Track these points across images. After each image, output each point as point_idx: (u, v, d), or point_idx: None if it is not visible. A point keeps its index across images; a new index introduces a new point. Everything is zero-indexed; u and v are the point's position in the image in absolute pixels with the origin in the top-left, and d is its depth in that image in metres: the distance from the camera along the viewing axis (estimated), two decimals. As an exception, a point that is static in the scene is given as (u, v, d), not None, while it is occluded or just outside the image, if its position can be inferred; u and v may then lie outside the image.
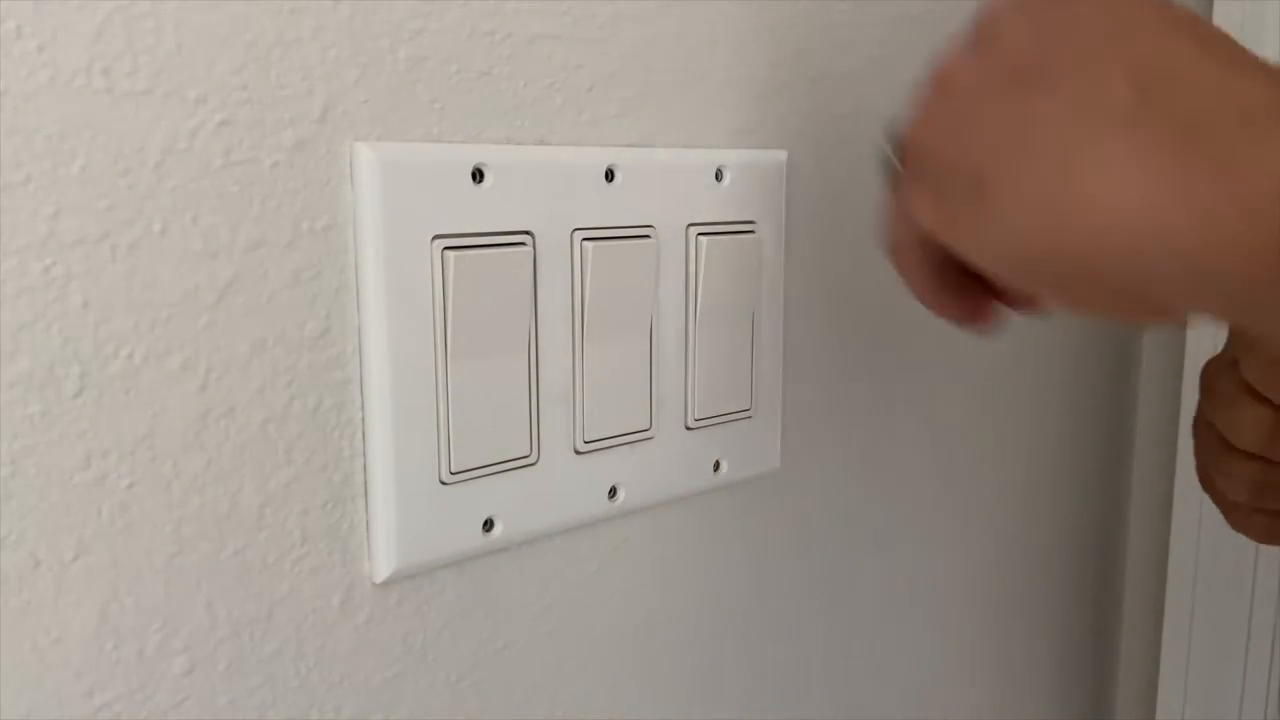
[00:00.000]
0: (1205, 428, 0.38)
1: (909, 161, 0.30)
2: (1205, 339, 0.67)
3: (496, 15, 0.32)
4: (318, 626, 0.32)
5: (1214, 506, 0.68)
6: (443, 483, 0.33)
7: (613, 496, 0.38)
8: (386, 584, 0.33)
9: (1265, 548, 0.58)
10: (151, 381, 0.28)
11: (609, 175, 0.36)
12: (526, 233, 0.34)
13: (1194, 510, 0.69)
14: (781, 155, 0.42)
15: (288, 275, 0.30)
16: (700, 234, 0.39)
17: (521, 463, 0.35)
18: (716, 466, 0.42)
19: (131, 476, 0.28)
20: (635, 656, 0.42)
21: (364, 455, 0.32)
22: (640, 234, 0.37)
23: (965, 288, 0.31)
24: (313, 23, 0.29)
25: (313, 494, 0.31)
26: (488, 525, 0.35)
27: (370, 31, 0.30)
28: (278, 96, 0.29)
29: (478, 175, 0.32)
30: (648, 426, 0.39)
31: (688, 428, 0.40)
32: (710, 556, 0.44)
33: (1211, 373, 0.37)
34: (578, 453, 0.37)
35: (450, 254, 0.32)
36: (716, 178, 0.39)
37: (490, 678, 0.37)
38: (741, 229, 0.40)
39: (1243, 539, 0.63)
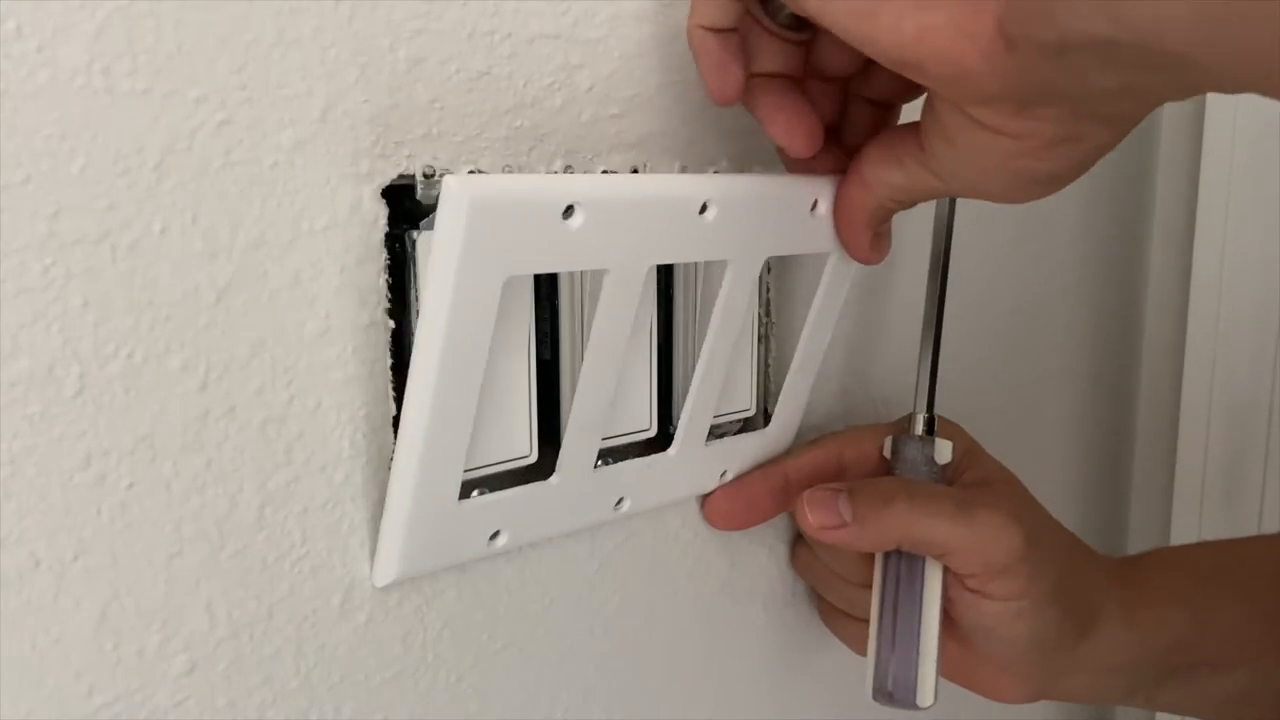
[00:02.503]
0: (808, 552, 0.46)
1: None
2: (1205, 348, 0.67)
3: (496, 15, 0.32)
4: (318, 627, 0.32)
5: (1214, 506, 0.68)
6: (459, 499, 0.33)
7: (618, 505, 0.38)
8: (386, 585, 0.33)
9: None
10: (151, 381, 0.28)
11: (703, 209, 0.34)
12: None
13: (1194, 513, 0.69)
14: None
15: (288, 275, 0.30)
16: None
17: (528, 468, 0.35)
18: (723, 475, 0.42)
19: (131, 476, 0.28)
20: (636, 656, 0.42)
21: (369, 462, 0.32)
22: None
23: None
24: (313, 23, 0.29)
25: (313, 494, 0.31)
26: (493, 536, 0.34)
27: (370, 31, 0.30)
28: (278, 96, 0.29)
29: (568, 211, 0.30)
30: (665, 426, 0.39)
31: (704, 441, 0.40)
32: (712, 556, 0.44)
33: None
34: (594, 469, 0.36)
35: None
36: (811, 209, 0.37)
37: (490, 678, 0.37)
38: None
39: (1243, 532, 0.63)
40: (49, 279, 0.26)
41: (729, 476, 0.42)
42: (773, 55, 0.35)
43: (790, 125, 0.35)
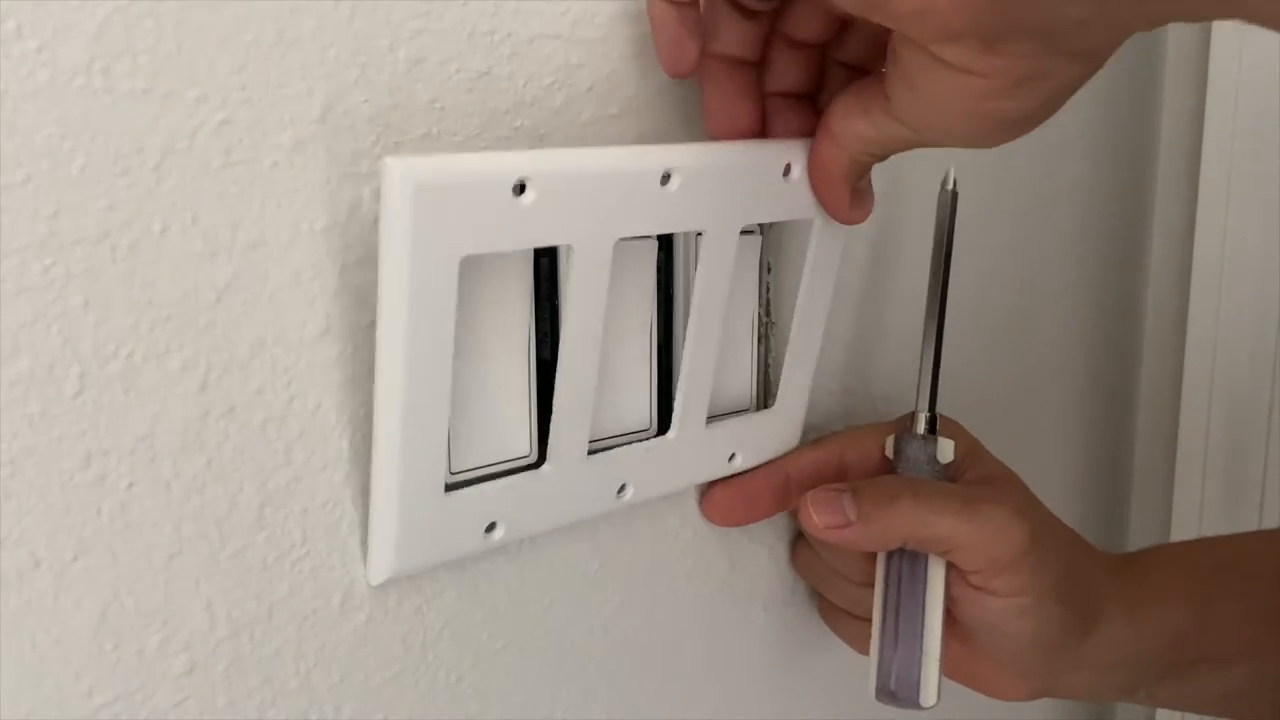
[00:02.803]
0: (809, 551, 0.46)
1: None
2: (1205, 345, 0.67)
3: (496, 15, 0.32)
4: (317, 627, 0.32)
5: (1214, 503, 0.68)
6: (447, 489, 0.32)
7: (620, 493, 0.37)
8: (385, 585, 0.33)
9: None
10: (151, 381, 0.28)
11: (665, 179, 0.33)
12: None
13: (1194, 510, 0.69)
14: None
15: (288, 275, 0.30)
16: (742, 233, 0.37)
17: (528, 467, 0.35)
18: (732, 459, 0.41)
19: (131, 476, 0.28)
20: (636, 656, 0.42)
21: (369, 462, 0.32)
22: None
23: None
24: (313, 23, 0.29)
25: (313, 494, 0.31)
26: (490, 529, 0.34)
27: (370, 31, 0.30)
28: (278, 96, 0.29)
29: (519, 188, 0.29)
30: (665, 426, 0.38)
31: (705, 422, 0.39)
32: (712, 555, 0.44)
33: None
34: (588, 455, 0.36)
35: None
36: (785, 174, 0.36)
37: (490, 678, 0.37)
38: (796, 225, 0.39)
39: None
40: (49, 279, 0.26)
41: (739, 460, 0.41)
42: (732, 36, 0.34)
43: (718, 127, 0.36)
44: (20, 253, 0.25)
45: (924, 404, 0.43)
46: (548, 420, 0.36)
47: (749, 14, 0.34)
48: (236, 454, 0.30)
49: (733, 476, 0.42)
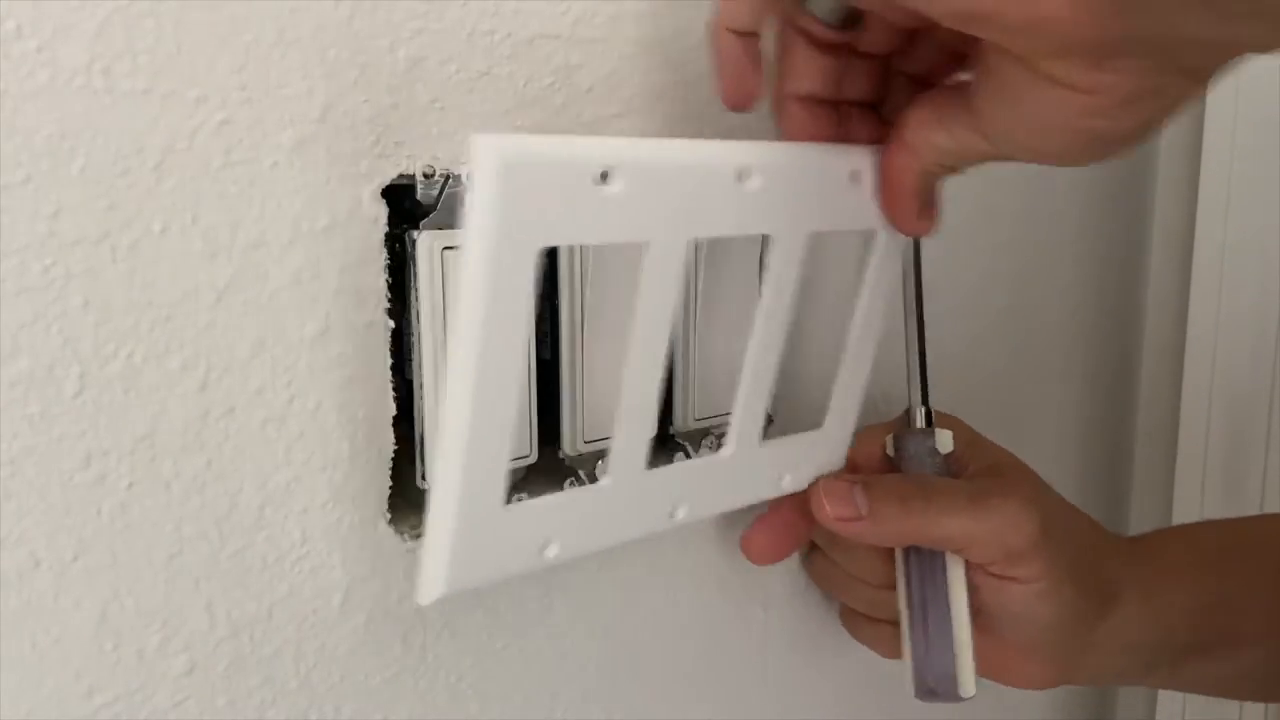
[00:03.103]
0: (824, 558, 0.46)
1: None
2: (1205, 342, 0.67)
3: (496, 15, 0.32)
4: (317, 627, 0.32)
5: (1214, 503, 0.68)
6: (505, 505, 0.30)
7: (673, 515, 0.36)
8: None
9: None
10: (151, 381, 0.28)
11: (741, 176, 0.31)
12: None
13: (1194, 507, 0.69)
14: None
15: (288, 275, 0.30)
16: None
17: (529, 468, 0.34)
18: (783, 481, 0.40)
19: (131, 476, 0.28)
20: (636, 656, 0.42)
21: (368, 462, 0.32)
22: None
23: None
24: (313, 23, 0.29)
25: (313, 494, 0.31)
26: (544, 546, 0.32)
27: (370, 31, 0.30)
28: (278, 96, 0.29)
29: (604, 177, 0.28)
30: (666, 426, 0.38)
31: (759, 440, 0.38)
32: (712, 555, 0.44)
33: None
34: (646, 470, 0.34)
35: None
36: (852, 180, 0.35)
37: (490, 678, 0.37)
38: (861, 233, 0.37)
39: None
40: (49, 279, 0.26)
41: (788, 482, 0.40)
42: (813, 75, 0.34)
43: None
44: (20, 253, 0.25)
45: (917, 398, 0.43)
46: (547, 420, 0.36)
47: (827, 48, 0.33)
48: (236, 454, 0.30)
49: (765, 514, 0.42)
